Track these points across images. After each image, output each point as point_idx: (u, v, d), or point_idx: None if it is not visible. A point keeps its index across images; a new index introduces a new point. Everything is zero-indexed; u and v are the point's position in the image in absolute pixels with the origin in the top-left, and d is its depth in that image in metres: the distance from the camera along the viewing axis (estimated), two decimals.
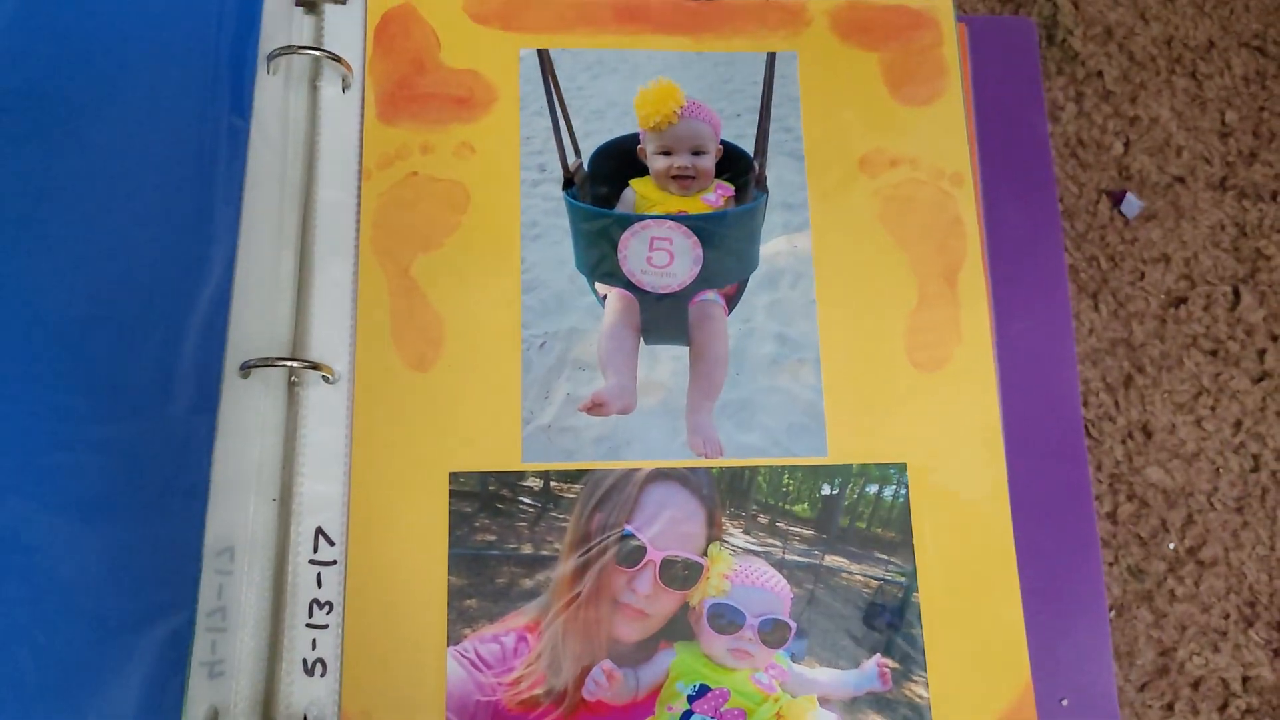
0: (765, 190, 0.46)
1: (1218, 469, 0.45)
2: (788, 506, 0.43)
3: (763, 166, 0.46)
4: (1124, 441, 0.45)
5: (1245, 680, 0.43)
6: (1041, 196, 0.47)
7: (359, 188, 0.45)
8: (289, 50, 0.44)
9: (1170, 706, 0.43)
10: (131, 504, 0.41)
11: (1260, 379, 0.46)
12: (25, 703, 0.39)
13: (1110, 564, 0.44)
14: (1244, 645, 0.43)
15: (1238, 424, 0.46)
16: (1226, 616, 0.44)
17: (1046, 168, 0.47)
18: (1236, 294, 0.47)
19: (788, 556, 0.43)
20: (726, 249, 0.45)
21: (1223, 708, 0.43)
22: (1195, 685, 0.43)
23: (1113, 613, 0.43)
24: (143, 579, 0.41)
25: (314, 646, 0.40)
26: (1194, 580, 0.44)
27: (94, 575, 0.41)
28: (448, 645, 0.40)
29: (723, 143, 0.47)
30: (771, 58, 0.48)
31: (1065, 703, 0.42)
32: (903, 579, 0.43)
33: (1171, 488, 0.45)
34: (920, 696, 0.41)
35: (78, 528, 0.41)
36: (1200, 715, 0.43)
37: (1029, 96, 0.48)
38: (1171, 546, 0.44)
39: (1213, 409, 0.46)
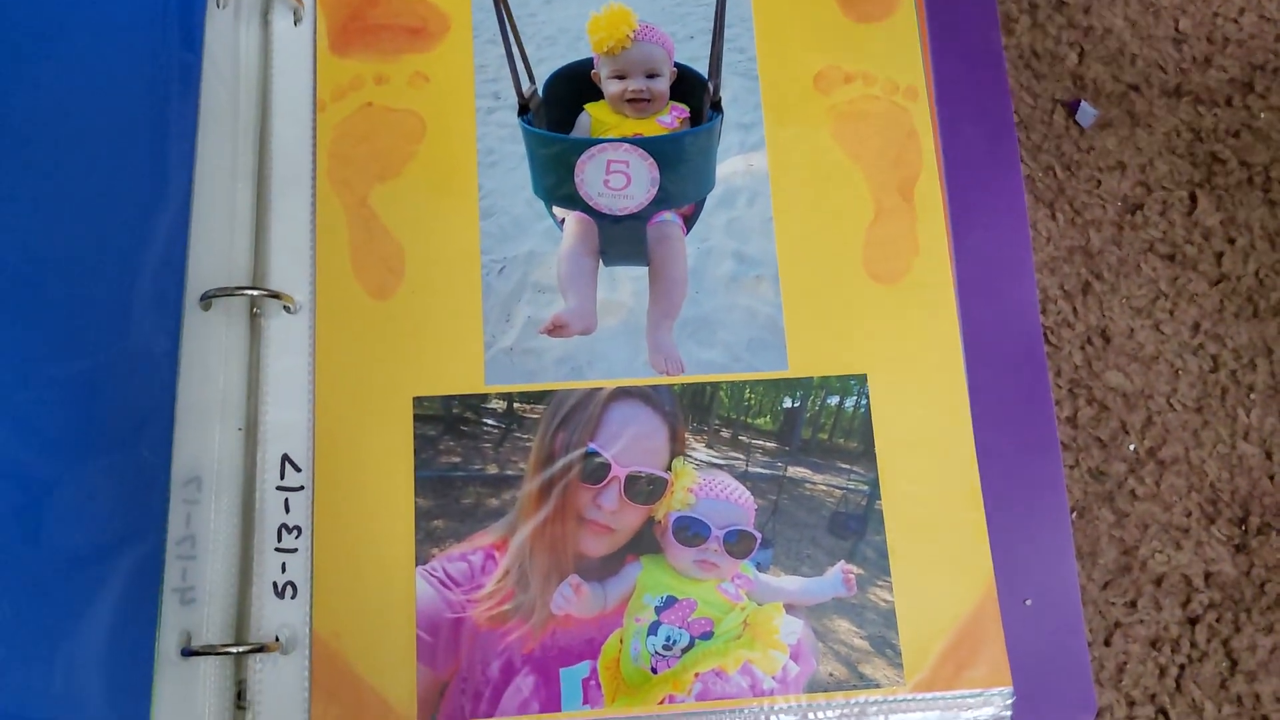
0: (720, 111, 0.46)
1: (1177, 371, 0.45)
2: (750, 420, 0.44)
3: (717, 88, 0.47)
4: (1083, 347, 0.46)
5: (1208, 576, 0.44)
6: (996, 108, 0.47)
7: (314, 120, 0.45)
8: None
9: (1133, 604, 0.43)
10: (97, 438, 0.42)
11: (1218, 281, 0.47)
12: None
13: (1071, 467, 0.45)
14: (1206, 542, 0.44)
15: (1196, 326, 0.46)
16: (1188, 514, 0.44)
17: (1001, 79, 0.47)
18: (1193, 199, 0.47)
19: (751, 469, 0.43)
20: (683, 170, 0.45)
21: (1185, 603, 0.43)
22: (1158, 582, 0.44)
23: (1074, 514, 0.44)
24: (110, 510, 0.41)
25: (284, 570, 0.41)
26: (1155, 480, 0.45)
27: (62, 508, 0.41)
28: (416, 565, 0.41)
29: (676, 65, 0.47)
30: None
31: (1029, 603, 0.42)
32: (865, 488, 0.43)
33: (1131, 390, 0.45)
34: (885, 601, 0.42)
35: (44, 463, 0.41)
36: (1163, 611, 0.43)
37: (982, 9, 0.48)
38: (1132, 448, 0.44)
39: (1171, 312, 0.46)
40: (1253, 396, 0.45)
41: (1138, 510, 0.44)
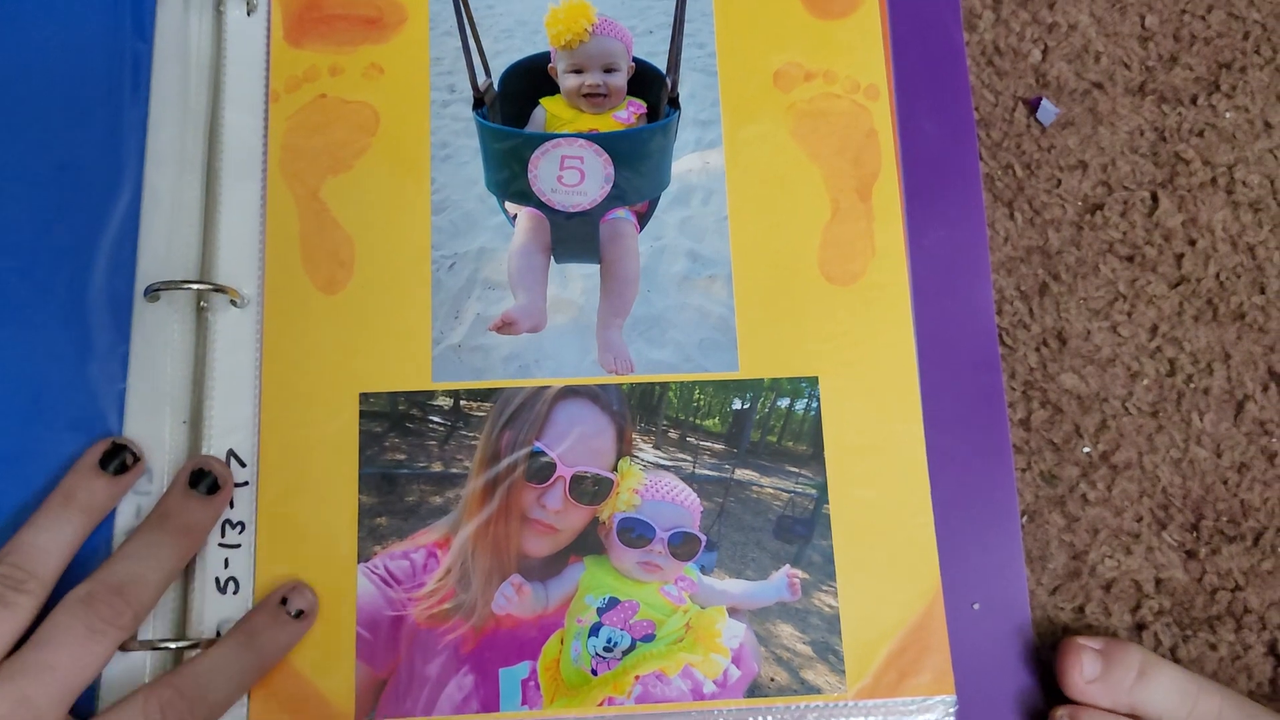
0: (677, 107, 0.46)
1: (1133, 374, 0.45)
2: (698, 421, 0.43)
3: (675, 83, 0.46)
4: (1038, 349, 0.45)
5: (1158, 582, 0.43)
6: (957, 105, 0.46)
7: (266, 110, 0.45)
8: None
9: (1081, 609, 0.43)
10: (47, 435, 0.41)
11: (1178, 284, 0.46)
12: None
13: (1023, 470, 0.44)
14: (1157, 547, 0.44)
15: (1154, 329, 0.45)
16: (1139, 519, 0.44)
17: (962, 76, 0.47)
18: (1155, 199, 0.46)
19: (698, 471, 0.43)
20: (638, 167, 0.45)
21: (1135, 609, 0.43)
22: (1107, 588, 0.43)
23: (1025, 518, 0.43)
24: None
25: (226, 565, 0.41)
26: (1106, 484, 0.44)
27: (12, 507, 0.41)
28: (358, 562, 0.41)
29: (635, 60, 0.46)
30: None
31: (977, 606, 0.42)
32: (813, 491, 0.43)
33: (1086, 393, 0.45)
34: (830, 606, 0.42)
35: None
36: (1112, 617, 0.43)
37: (945, 4, 0.47)
38: (1086, 451, 0.44)
39: (1129, 314, 0.45)
40: (1208, 401, 0.45)
41: (1089, 515, 0.44)
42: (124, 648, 0.39)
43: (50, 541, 0.37)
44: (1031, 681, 0.41)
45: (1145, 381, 0.45)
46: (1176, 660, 0.42)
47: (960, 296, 0.45)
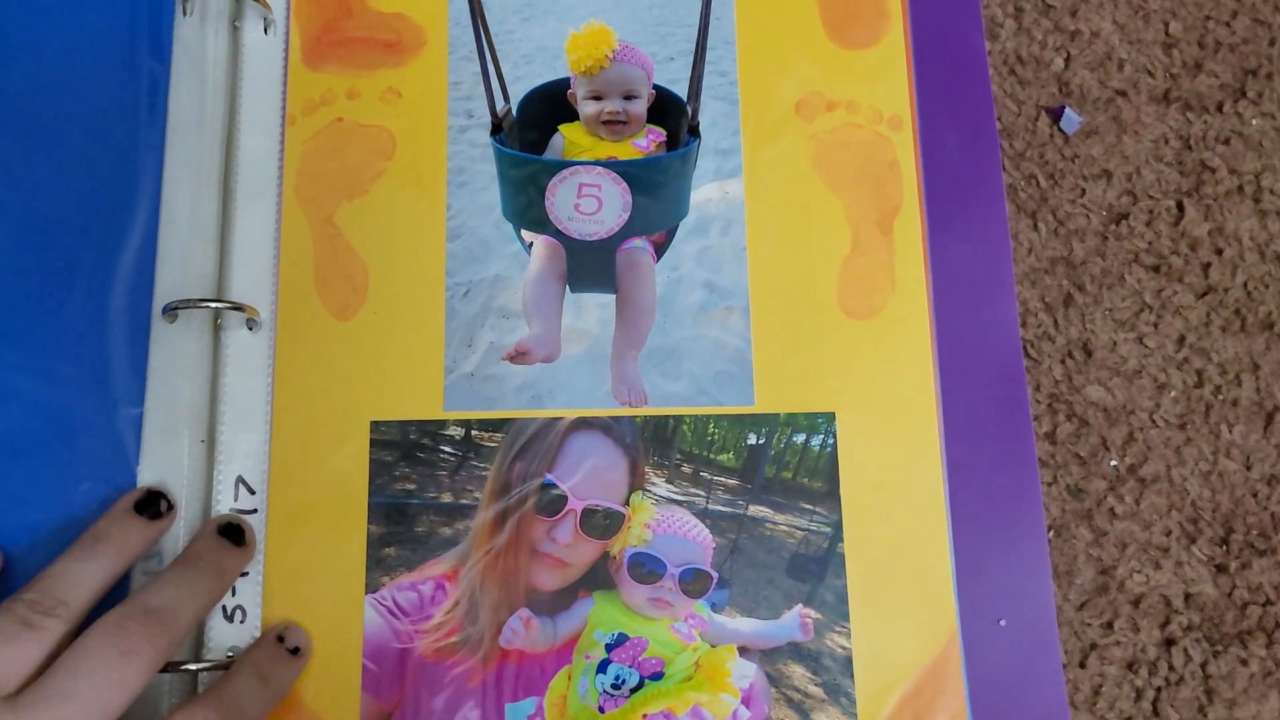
0: (698, 136, 0.45)
1: (1160, 386, 0.44)
2: (712, 456, 0.43)
3: (696, 111, 0.45)
4: (1063, 361, 0.44)
5: (1187, 597, 0.43)
6: (979, 116, 0.46)
7: (282, 133, 0.44)
8: None
9: (1110, 625, 0.42)
10: (65, 451, 0.41)
11: (1205, 293, 0.45)
12: None
13: (1049, 484, 0.43)
14: (1186, 562, 0.43)
15: (1181, 339, 0.45)
16: (1168, 534, 0.43)
17: (984, 86, 0.46)
18: (1180, 208, 0.45)
19: (711, 506, 0.42)
20: (657, 195, 0.44)
21: (1164, 624, 0.42)
22: (1136, 603, 0.42)
23: (1051, 532, 0.43)
24: (80, 524, 0.41)
25: (234, 594, 0.40)
26: (1134, 498, 0.43)
27: (30, 521, 0.40)
28: (366, 593, 0.40)
29: (655, 87, 0.46)
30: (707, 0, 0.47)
31: (1003, 623, 0.41)
32: (828, 529, 0.42)
33: (1112, 406, 0.44)
34: (842, 647, 0.41)
35: (12, 475, 0.41)
36: (1141, 632, 0.42)
37: (966, 14, 0.47)
38: (1113, 464, 0.43)
39: (1155, 325, 0.45)
40: (1237, 413, 0.44)
41: (1117, 529, 0.43)
42: None
43: (81, 573, 0.37)
44: (1060, 696, 0.41)
45: (1173, 393, 0.44)
46: (1206, 677, 0.42)
47: (984, 309, 0.44)
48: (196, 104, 0.44)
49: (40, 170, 0.43)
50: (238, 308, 0.42)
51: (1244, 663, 0.42)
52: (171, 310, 0.42)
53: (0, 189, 0.43)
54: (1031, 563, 0.42)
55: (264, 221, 0.43)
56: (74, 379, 0.42)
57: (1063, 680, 0.41)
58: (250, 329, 0.42)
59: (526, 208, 0.44)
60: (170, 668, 0.38)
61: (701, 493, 0.42)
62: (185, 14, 0.44)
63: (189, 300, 0.42)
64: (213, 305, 0.42)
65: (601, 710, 0.40)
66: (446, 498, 0.42)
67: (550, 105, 0.46)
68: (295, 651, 0.39)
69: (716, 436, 0.43)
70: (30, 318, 0.42)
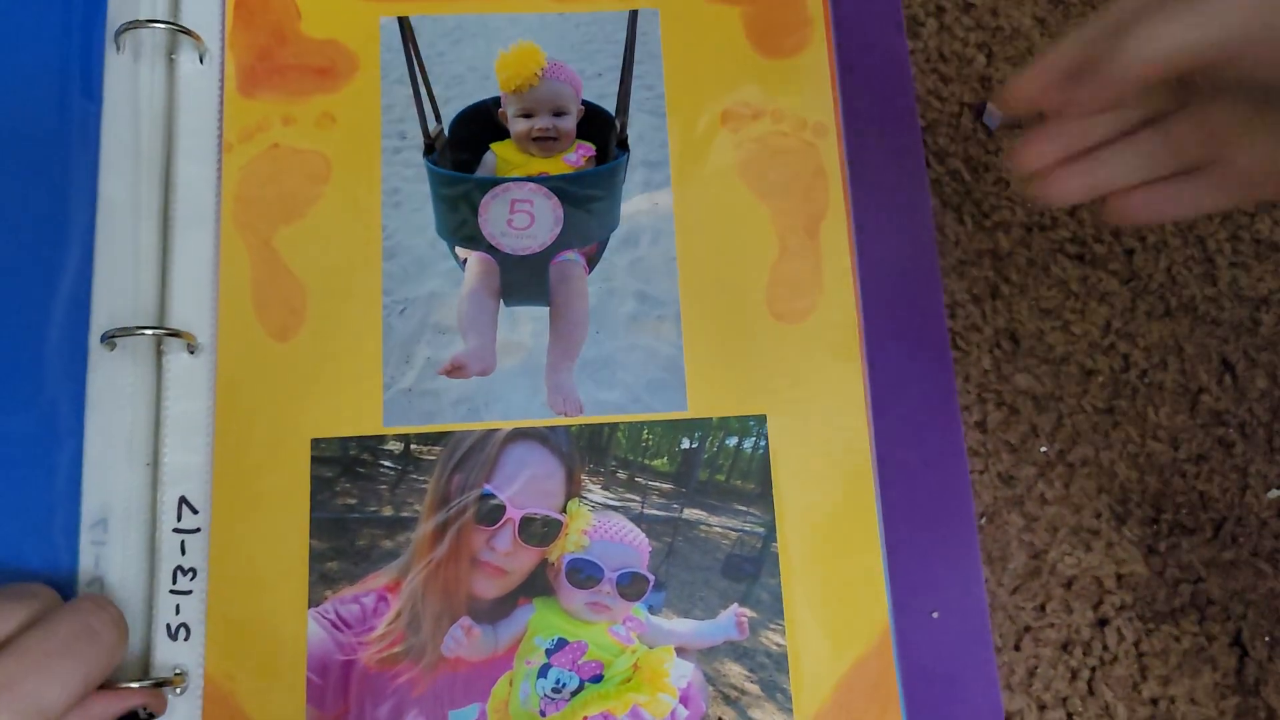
0: (627, 149, 0.46)
1: (1087, 371, 0.45)
2: (647, 461, 0.44)
3: (624, 125, 0.47)
4: (991, 350, 0.45)
5: (1119, 577, 0.43)
6: (903, 118, 0.47)
7: (219, 161, 0.45)
8: (137, 25, 0.44)
9: (1043, 607, 0.43)
10: (6, 483, 0.42)
11: (1129, 280, 0.46)
12: None
13: (980, 472, 0.44)
14: (1117, 543, 0.44)
15: (1107, 325, 0.46)
16: (1098, 516, 0.44)
17: (907, 87, 0.47)
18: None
19: (647, 511, 0.43)
20: (587, 209, 0.45)
21: (1097, 605, 0.43)
22: (1068, 585, 0.43)
23: (983, 520, 0.44)
24: (20, 557, 0.42)
25: (178, 612, 0.41)
26: (1064, 482, 0.44)
27: None
28: (309, 607, 0.41)
29: (584, 102, 0.47)
30: (634, 15, 0.48)
31: (936, 615, 0.42)
32: (761, 530, 0.43)
33: (1041, 393, 0.45)
34: (777, 644, 0.42)
35: None
36: (1074, 614, 0.43)
37: (888, 14, 0.48)
38: (1043, 450, 0.44)
39: (1081, 313, 0.46)
40: (1163, 395, 0.45)
41: (1047, 513, 0.44)
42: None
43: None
44: (992, 681, 0.41)
45: (1100, 378, 0.45)
46: (1140, 654, 0.42)
47: (912, 304, 0.45)
48: (131, 136, 0.45)
49: None
50: (176, 334, 0.43)
51: (1177, 639, 0.43)
52: (109, 339, 0.42)
53: None
54: (962, 552, 0.43)
55: (203, 248, 0.44)
56: (12, 410, 0.43)
57: (995, 665, 0.42)
58: (191, 353, 0.43)
59: (460, 225, 0.45)
60: (107, 686, 0.39)
61: (637, 498, 0.43)
62: (119, 50, 0.45)
63: (128, 328, 0.42)
64: (149, 333, 0.42)
65: (543, 714, 0.40)
66: (387, 511, 0.42)
67: (481, 124, 0.47)
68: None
69: (651, 442, 0.44)
70: None
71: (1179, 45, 0.29)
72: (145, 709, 0.40)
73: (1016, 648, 0.42)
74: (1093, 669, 0.43)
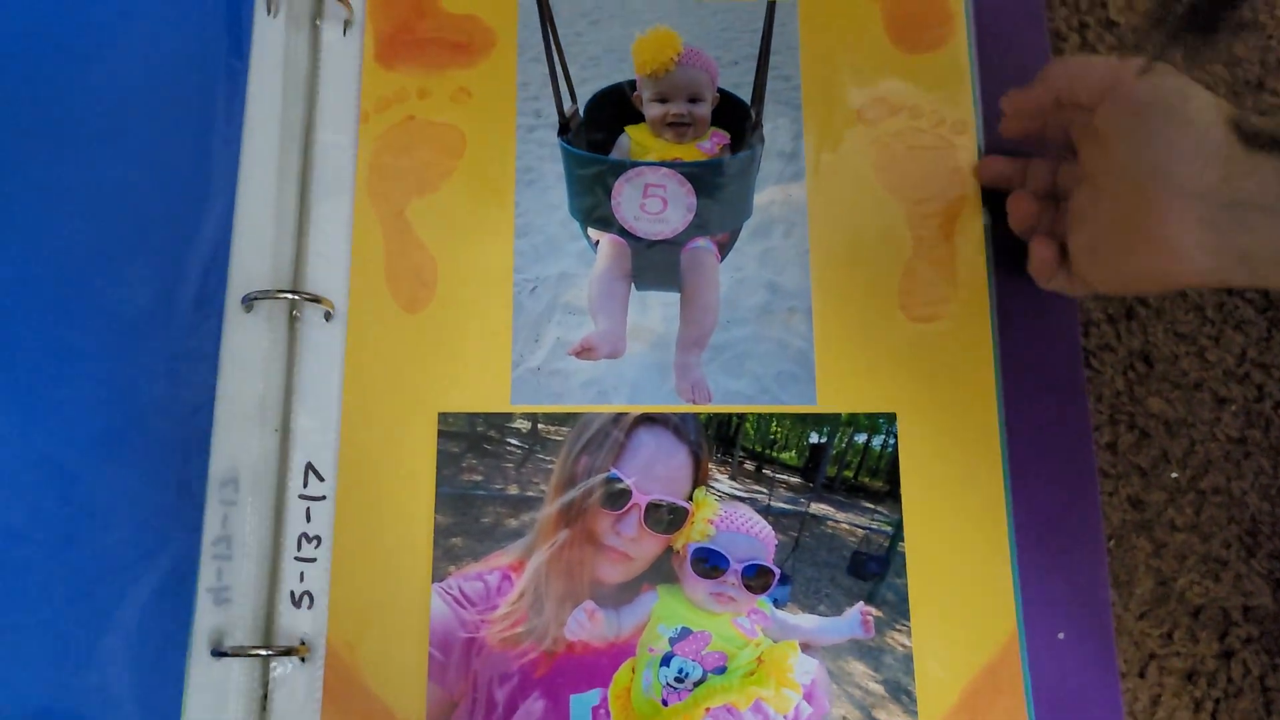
0: (761, 139, 0.46)
1: (1221, 399, 0.44)
2: (775, 454, 0.43)
3: (759, 115, 0.46)
4: (1125, 372, 0.45)
5: (1246, 610, 0.43)
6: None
7: (357, 129, 0.45)
8: None
9: (1169, 635, 0.42)
10: (136, 437, 0.42)
11: (1266, 309, 0.45)
12: (37, 629, 0.41)
13: (1110, 494, 0.44)
14: (1245, 575, 0.43)
15: (1242, 353, 0.45)
16: (1227, 546, 0.43)
17: None
18: None
19: (773, 503, 0.43)
20: (720, 197, 0.45)
21: (1223, 636, 0.42)
22: (1195, 614, 0.43)
23: (1111, 542, 0.43)
24: (149, 510, 0.42)
25: (302, 579, 0.41)
26: (1194, 509, 0.43)
27: (101, 507, 0.41)
28: (432, 582, 0.41)
29: (720, 90, 0.46)
30: (771, 5, 0.47)
31: (1062, 636, 0.41)
32: (889, 529, 0.42)
33: (1173, 418, 0.44)
34: (903, 645, 0.41)
35: (84, 462, 0.42)
36: (1200, 644, 0.42)
37: (1031, 28, 0.47)
38: (1174, 476, 0.43)
39: (1216, 339, 0.45)
40: None
41: (1176, 540, 0.43)
42: (213, 652, 0.39)
43: None
44: (1116, 707, 0.41)
45: (1233, 407, 0.44)
46: (1265, 689, 0.42)
47: (1046, 316, 0.45)
48: (276, 99, 0.44)
49: (115, 163, 0.44)
50: (315, 299, 0.43)
51: None
52: (249, 301, 0.42)
53: (78, 182, 0.44)
54: (1091, 574, 0.42)
55: (340, 216, 0.44)
56: (146, 365, 0.43)
57: (1119, 690, 0.41)
58: (327, 320, 0.43)
59: (593, 206, 0.45)
60: (239, 652, 0.39)
61: (764, 490, 0.43)
62: (270, 14, 0.45)
63: (268, 291, 0.42)
64: (292, 296, 0.42)
65: (665, 703, 0.40)
66: (513, 489, 0.42)
67: (617, 106, 0.46)
68: None
69: (779, 435, 0.43)
70: (104, 306, 0.43)
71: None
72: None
73: (1141, 675, 0.41)
74: (1216, 701, 0.42)
